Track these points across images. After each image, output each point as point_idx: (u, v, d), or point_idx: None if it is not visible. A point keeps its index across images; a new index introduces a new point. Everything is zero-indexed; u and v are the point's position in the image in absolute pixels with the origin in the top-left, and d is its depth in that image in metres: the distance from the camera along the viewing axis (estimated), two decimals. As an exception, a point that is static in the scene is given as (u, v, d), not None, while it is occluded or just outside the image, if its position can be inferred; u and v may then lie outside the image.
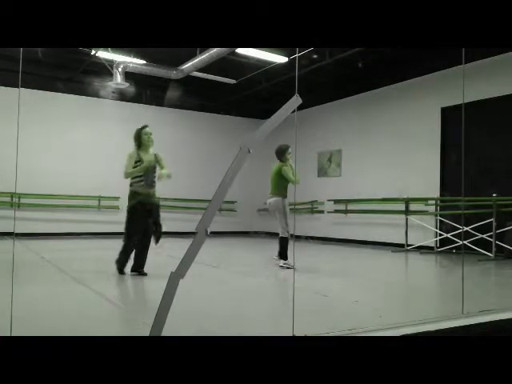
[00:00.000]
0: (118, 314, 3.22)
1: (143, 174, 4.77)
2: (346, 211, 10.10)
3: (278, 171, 5.77)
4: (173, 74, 8.95)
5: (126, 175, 4.77)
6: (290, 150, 5.85)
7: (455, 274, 5.56)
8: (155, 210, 4.86)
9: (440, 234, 8.00)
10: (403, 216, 8.53)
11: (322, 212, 10.68)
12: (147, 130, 4.95)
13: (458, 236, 7.46)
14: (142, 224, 4.73)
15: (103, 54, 8.29)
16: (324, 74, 8.90)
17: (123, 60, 8.53)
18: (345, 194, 10.12)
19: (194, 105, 11.49)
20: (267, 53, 7.88)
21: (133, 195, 4.78)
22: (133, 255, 4.76)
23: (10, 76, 8.10)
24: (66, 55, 8.35)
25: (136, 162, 4.78)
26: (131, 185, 4.81)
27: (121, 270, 4.75)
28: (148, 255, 4.76)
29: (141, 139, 4.89)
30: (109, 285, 4.40)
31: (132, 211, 4.75)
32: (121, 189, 10.06)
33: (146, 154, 4.87)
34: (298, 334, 2.30)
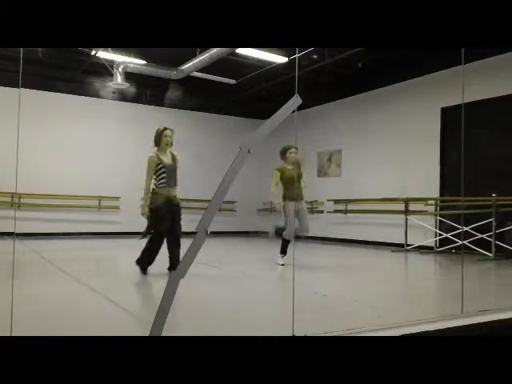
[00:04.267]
0: (119, 314, 3.22)
1: (166, 176, 4.81)
2: (345, 211, 10.11)
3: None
4: (173, 74, 8.95)
5: (147, 184, 4.81)
6: (292, 149, 5.84)
7: (455, 274, 5.56)
8: (178, 210, 4.90)
9: (440, 234, 8.00)
10: (403, 216, 8.53)
11: (321, 212, 10.68)
12: (167, 132, 4.95)
13: (457, 236, 7.46)
14: (168, 223, 4.77)
15: (103, 55, 8.30)
16: (324, 74, 8.91)
17: (123, 60, 8.54)
18: (345, 193, 10.12)
19: (194, 105, 11.49)
20: (267, 53, 7.89)
21: (157, 197, 4.81)
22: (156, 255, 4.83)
23: (10, 76, 8.10)
24: (66, 55, 8.37)
25: (158, 165, 4.82)
26: (156, 186, 4.85)
27: (144, 270, 4.78)
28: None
29: (160, 141, 4.91)
30: (109, 284, 4.40)
31: (157, 211, 4.79)
32: (121, 189, 10.18)
33: (165, 156, 4.91)
34: (297, 334, 2.30)
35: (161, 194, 4.80)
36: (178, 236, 4.86)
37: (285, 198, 5.79)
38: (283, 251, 5.79)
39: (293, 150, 5.86)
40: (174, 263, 4.80)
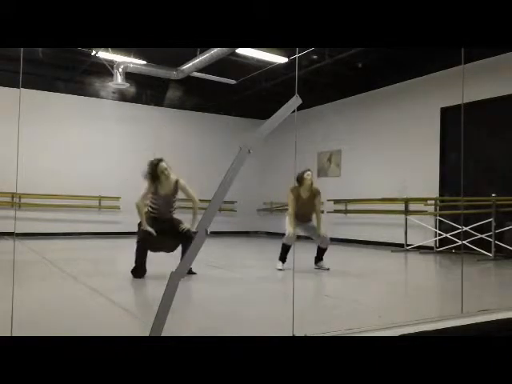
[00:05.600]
0: (119, 314, 3.22)
1: (159, 206, 4.77)
2: (345, 211, 10.11)
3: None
4: (173, 74, 8.95)
5: (137, 205, 4.68)
6: (308, 172, 5.61)
7: (454, 274, 5.56)
8: (174, 224, 4.80)
9: (439, 234, 8.00)
10: (403, 216, 8.53)
11: (321, 212, 10.66)
12: (162, 164, 4.73)
13: (457, 236, 7.46)
14: (152, 238, 4.68)
15: (103, 55, 8.29)
16: (324, 75, 8.90)
17: (123, 60, 8.54)
18: (345, 194, 10.12)
19: (194, 105, 11.49)
20: (267, 53, 7.89)
21: (148, 218, 4.74)
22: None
23: (10, 76, 8.11)
24: (67, 55, 8.35)
25: (152, 193, 4.75)
26: (148, 208, 4.82)
27: (139, 276, 4.64)
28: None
29: (156, 175, 4.72)
30: (109, 284, 4.40)
31: (144, 226, 4.70)
32: (121, 189, 10.18)
33: (164, 186, 4.78)
34: (297, 334, 2.30)
35: (152, 217, 4.77)
36: (185, 241, 4.72)
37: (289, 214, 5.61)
38: (282, 258, 5.54)
39: (309, 172, 5.63)
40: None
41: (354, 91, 9.97)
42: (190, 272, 4.69)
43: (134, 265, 4.69)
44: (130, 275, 4.64)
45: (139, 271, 4.66)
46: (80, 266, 5.93)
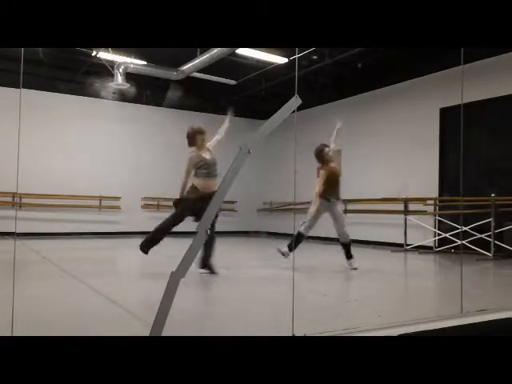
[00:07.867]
0: (119, 314, 3.23)
1: (208, 167, 4.96)
2: (345, 211, 10.09)
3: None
4: (173, 74, 8.96)
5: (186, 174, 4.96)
6: (326, 149, 5.63)
7: (454, 274, 5.56)
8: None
9: (439, 234, 8.00)
10: (402, 216, 8.53)
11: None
12: (202, 129, 5.16)
13: (456, 236, 7.46)
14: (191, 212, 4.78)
15: (104, 55, 8.30)
16: (324, 75, 8.91)
17: (124, 61, 8.54)
18: (345, 193, 10.10)
19: (194, 105, 11.49)
20: (267, 54, 7.90)
21: (193, 190, 4.87)
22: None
23: (11, 76, 8.11)
24: (67, 56, 8.36)
25: (199, 162, 4.95)
26: (195, 176, 4.94)
27: (146, 249, 4.74)
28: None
29: (196, 141, 5.06)
30: (110, 284, 4.40)
31: (186, 203, 4.79)
32: (121, 189, 10.19)
33: (206, 152, 5.07)
34: (297, 334, 2.30)
35: (197, 188, 4.86)
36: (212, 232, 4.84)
37: (323, 196, 5.66)
38: (291, 246, 5.42)
39: (327, 149, 5.69)
40: (204, 261, 4.82)
41: (354, 91, 9.97)
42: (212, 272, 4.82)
43: (145, 243, 4.76)
44: (130, 275, 4.64)
45: (153, 243, 4.74)
46: (80, 265, 5.93)
